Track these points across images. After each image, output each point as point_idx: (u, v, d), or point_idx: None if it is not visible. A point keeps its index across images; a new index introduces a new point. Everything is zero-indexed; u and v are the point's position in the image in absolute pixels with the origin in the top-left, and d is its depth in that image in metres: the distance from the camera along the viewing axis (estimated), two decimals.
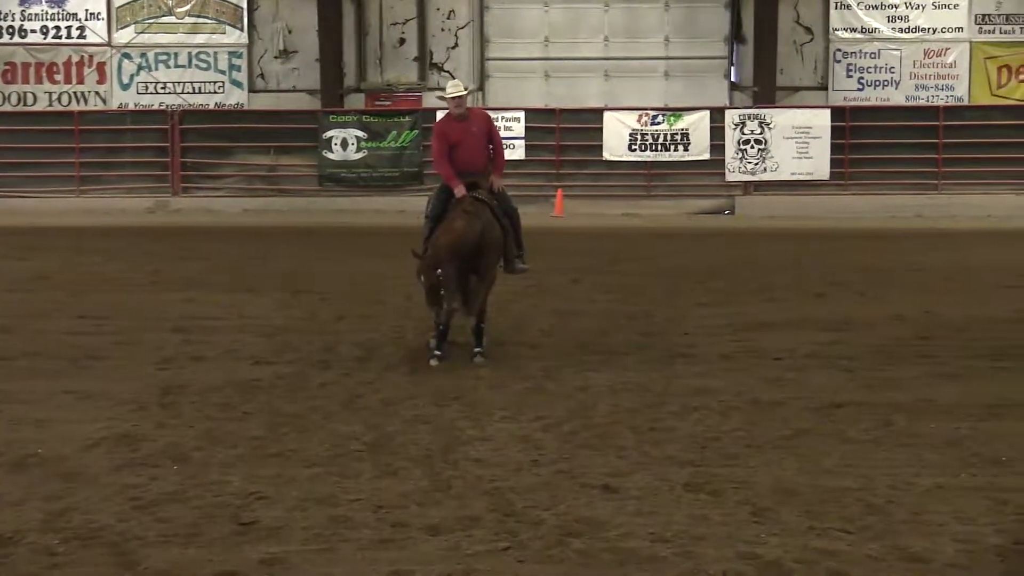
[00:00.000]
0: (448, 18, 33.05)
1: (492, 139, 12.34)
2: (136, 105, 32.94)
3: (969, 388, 10.37)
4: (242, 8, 32.94)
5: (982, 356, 11.76)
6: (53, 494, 7.28)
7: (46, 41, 33.05)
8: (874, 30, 32.26)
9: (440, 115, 31.80)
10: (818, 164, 30.91)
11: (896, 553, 6.34)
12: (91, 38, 33.02)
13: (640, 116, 31.17)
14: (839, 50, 32.43)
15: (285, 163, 32.20)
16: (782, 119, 30.93)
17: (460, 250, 11.27)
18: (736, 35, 32.60)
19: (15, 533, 6.60)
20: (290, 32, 33.11)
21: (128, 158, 32.10)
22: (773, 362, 11.54)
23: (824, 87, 32.59)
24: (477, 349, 11.72)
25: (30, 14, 32.93)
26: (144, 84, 33.17)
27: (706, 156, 31.09)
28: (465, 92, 12.29)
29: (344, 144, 31.43)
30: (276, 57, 33.21)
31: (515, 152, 29.64)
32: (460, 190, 11.80)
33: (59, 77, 33.17)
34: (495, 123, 12.84)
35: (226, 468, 7.86)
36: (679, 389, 10.33)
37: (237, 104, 33.08)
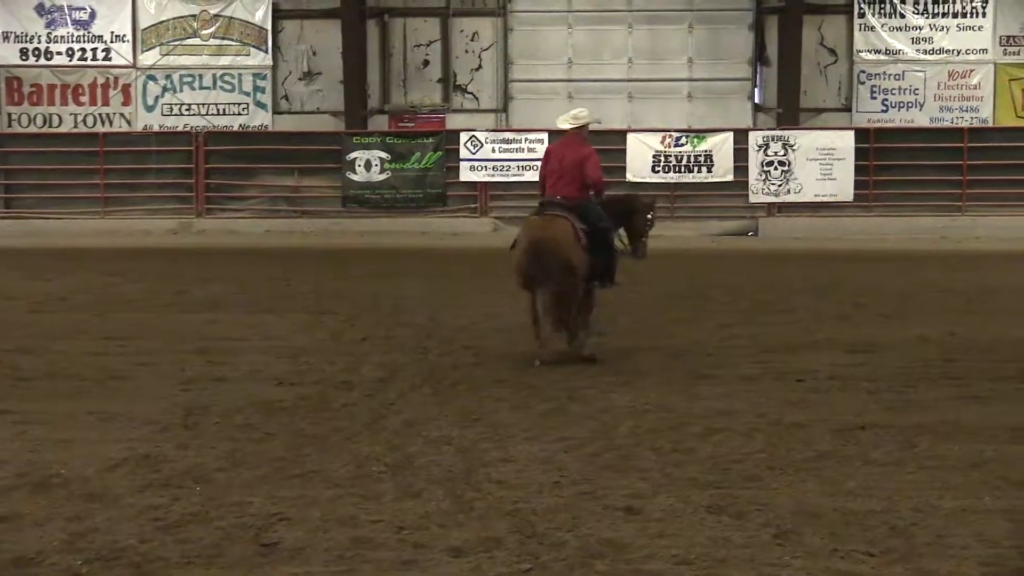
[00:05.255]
0: (472, 40, 33.16)
1: (581, 166, 12.70)
2: (161, 126, 33.14)
3: (994, 410, 10.30)
4: (267, 30, 33.13)
5: (1007, 378, 11.70)
6: (75, 515, 7.28)
7: (72, 63, 33.28)
8: (898, 52, 32.24)
9: (463, 138, 32.02)
10: (842, 186, 30.91)
11: None
12: (116, 60, 33.25)
13: (664, 138, 31.23)
14: (863, 72, 32.43)
15: (308, 184, 32.35)
16: (806, 140, 30.95)
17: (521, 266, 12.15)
18: (760, 57, 32.65)
19: (38, 554, 6.60)
20: (314, 54, 33.29)
21: (152, 179, 32.30)
22: (796, 384, 11.48)
23: (848, 109, 32.60)
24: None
25: (56, 36, 33.19)
26: (169, 106, 33.36)
27: (730, 178, 31.14)
28: (578, 124, 12.90)
29: (368, 165, 31.56)
30: (300, 79, 33.37)
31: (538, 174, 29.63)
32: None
33: (84, 99, 33.38)
34: (590, 150, 12.93)
35: (248, 489, 7.85)
36: (702, 411, 10.29)
37: (261, 126, 33.24)
